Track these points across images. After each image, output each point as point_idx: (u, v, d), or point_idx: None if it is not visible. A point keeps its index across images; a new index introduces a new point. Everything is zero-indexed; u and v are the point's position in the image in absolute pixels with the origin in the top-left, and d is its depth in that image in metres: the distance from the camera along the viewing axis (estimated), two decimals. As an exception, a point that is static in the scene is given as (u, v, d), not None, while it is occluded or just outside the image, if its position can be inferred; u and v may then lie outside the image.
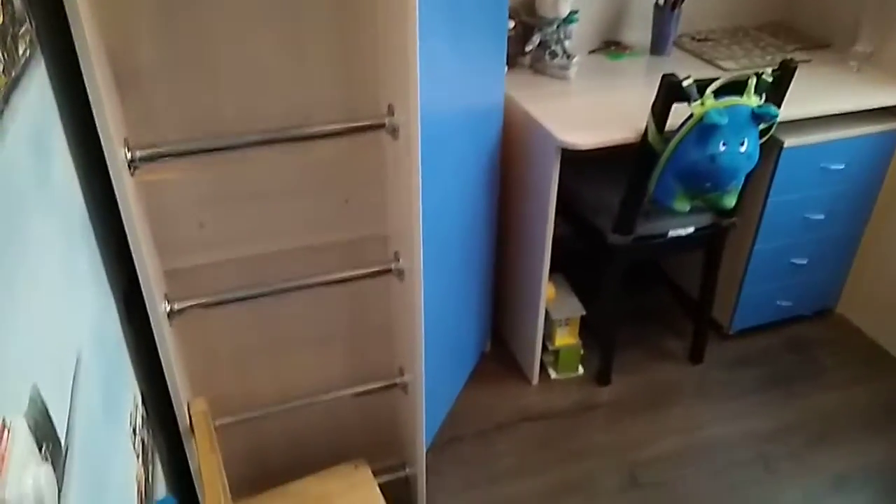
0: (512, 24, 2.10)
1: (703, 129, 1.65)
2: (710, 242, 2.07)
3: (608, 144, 1.78)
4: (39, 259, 0.76)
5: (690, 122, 1.68)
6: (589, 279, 2.25)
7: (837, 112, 1.95)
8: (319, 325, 1.49)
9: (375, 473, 1.50)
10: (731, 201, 1.85)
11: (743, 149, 1.68)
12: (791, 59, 1.72)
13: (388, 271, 1.33)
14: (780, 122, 1.80)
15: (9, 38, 0.79)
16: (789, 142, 1.95)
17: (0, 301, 0.60)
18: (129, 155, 1.07)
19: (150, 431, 1.23)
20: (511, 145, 2.00)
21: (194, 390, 1.41)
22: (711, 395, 2.17)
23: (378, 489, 1.46)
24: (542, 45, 2.13)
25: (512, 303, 2.24)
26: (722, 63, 2.16)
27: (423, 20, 1.05)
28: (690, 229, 1.98)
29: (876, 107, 1.98)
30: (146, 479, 1.14)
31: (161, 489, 1.25)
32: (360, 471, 1.50)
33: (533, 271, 2.03)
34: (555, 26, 2.10)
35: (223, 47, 1.15)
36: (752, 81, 1.68)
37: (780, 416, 2.09)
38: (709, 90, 1.67)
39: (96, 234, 1.07)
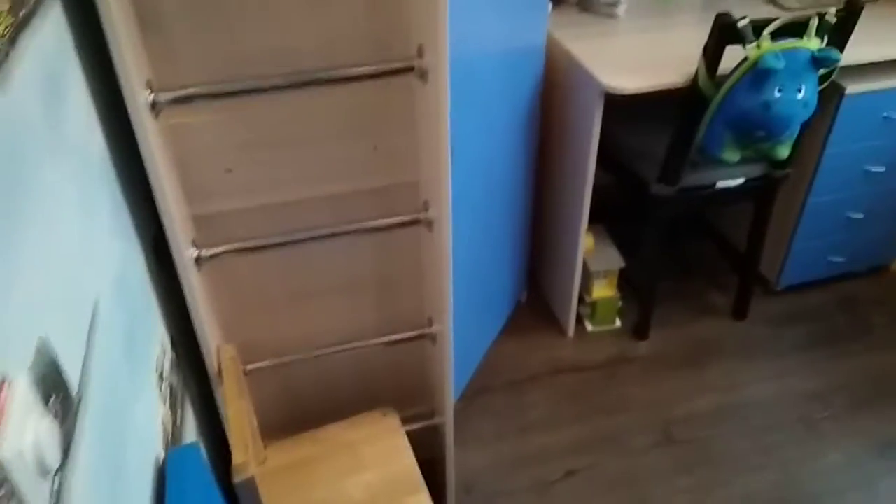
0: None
1: (758, 74, 1.54)
2: (761, 194, 1.97)
3: (655, 89, 1.68)
4: (51, 205, 0.74)
5: (744, 65, 1.57)
6: (629, 230, 2.18)
7: (907, 56, 1.80)
8: (348, 274, 1.47)
9: (404, 421, 1.49)
10: (784, 151, 1.75)
11: (800, 95, 1.57)
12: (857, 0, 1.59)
13: (417, 221, 1.29)
14: (842, 67, 1.68)
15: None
16: (851, 88, 1.82)
17: (3, 250, 0.59)
18: (151, 98, 1.04)
19: (182, 376, 1.24)
20: (552, 88, 1.91)
21: (225, 336, 1.42)
22: (753, 352, 2.10)
23: (405, 437, 1.46)
24: (590, -19, 2.02)
25: (549, 253, 2.19)
26: (785, 3, 2.02)
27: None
28: (740, 180, 1.88)
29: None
30: (174, 423, 1.15)
31: (192, 433, 1.26)
32: (389, 418, 1.50)
33: (571, 221, 1.97)
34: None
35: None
36: (814, 22, 1.56)
37: (825, 377, 2.02)
38: (766, 31, 1.55)
39: (121, 180, 1.05)
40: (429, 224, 1.29)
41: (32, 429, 0.56)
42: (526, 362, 2.08)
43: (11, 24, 0.72)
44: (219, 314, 1.39)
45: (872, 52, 1.78)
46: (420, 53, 1.11)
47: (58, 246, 0.75)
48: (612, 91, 1.67)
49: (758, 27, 1.55)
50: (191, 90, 1.08)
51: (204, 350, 1.25)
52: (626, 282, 2.14)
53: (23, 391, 0.56)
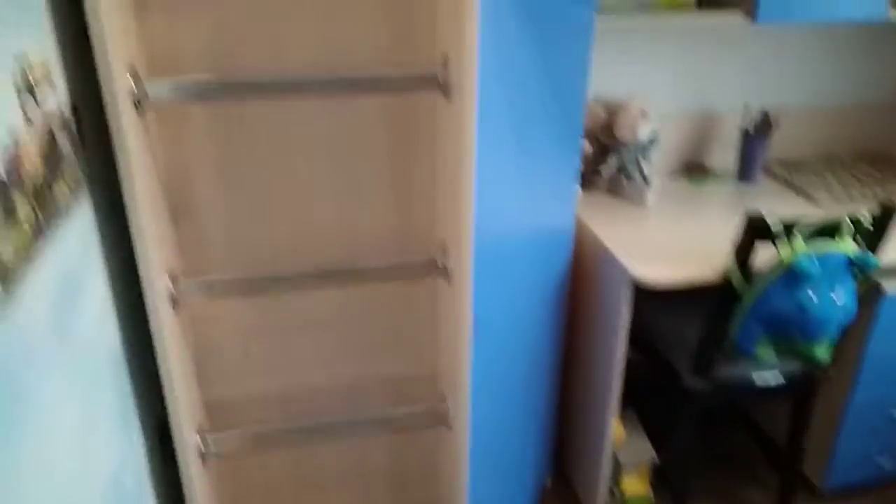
0: (588, 145, 2.05)
1: (792, 276, 1.51)
2: (801, 392, 1.87)
3: (685, 283, 1.66)
4: (48, 421, 0.72)
5: (777, 266, 1.54)
6: (663, 415, 2.08)
7: (948, 257, 1.76)
8: (362, 463, 1.40)
9: None
10: (823, 353, 1.67)
11: (837, 299, 1.52)
12: (891, 201, 1.57)
13: (435, 417, 1.24)
14: (882, 268, 1.63)
15: (46, 191, 0.78)
16: (890, 288, 1.77)
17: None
18: (174, 288, 1.04)
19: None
20: (581, 271, 1.90)
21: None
22: (800, 563, 1.91)
23: None
24: (620, 168, 2.06)
25: (576, 438, 2.09)
26: (816, 196, 2.02)
27: (483, 136, 1.01)
28: (779, 378, 1.80)
29: None
30: None
31: None
32: None
33: (599, 408, 1.88)
34: (634, 150, 2.03)
35: (275, 181, 1.14)
36: (848, 225, 1.53)
37: None
38: (797, 231, 1.53)
39: (131, 365, 1.04)
40: (445, 419, 1.24)
41: None
42: (548, 559, 1.92)
43: (31, 246, 0.73)
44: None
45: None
46: (444, 251, 1.11)
47: (52, 462, 0.71)
48: (641, 283, 1.65)
49: (790, 226, 1.53)
50: (214, 278, 1.08)
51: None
52: (658, 473, 2.00)
53: None
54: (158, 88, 0.96)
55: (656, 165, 2.13)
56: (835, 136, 2.28)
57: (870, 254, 1.52)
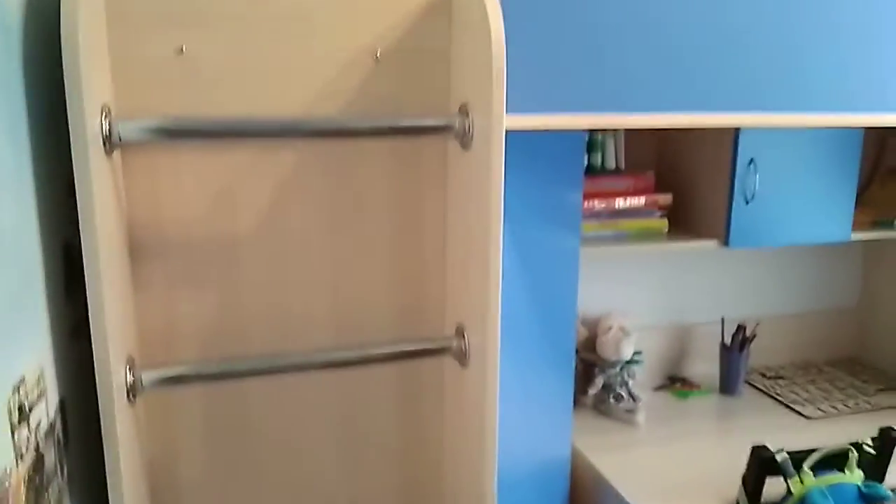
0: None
1: (808, 514, 1.44)
2: None
3: (694, 519, 1.57)
4: None
5: (790, 501, 1.48)
6: None
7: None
8: None
9: None
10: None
11: (855, 535, 1.45)
12: (891, 429, 1.56)
13: None
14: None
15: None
16: (900, 511, 1.71)
17: None
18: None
19: None
20: (581, 500, 1.79)
21: None
22: None
23: None
24: (606, 386, 2.03)
25: None
26: (801, 409, 2.01)
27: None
28: None
29: None
30: None
31: None
32: None
33: None
34: (618, 368, 2.01)
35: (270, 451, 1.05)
36: (854, 456, 1.50)
37: None
38: (806, 465, 1.49)
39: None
40: None
41: None
42: None
43: None
44: None
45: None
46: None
47: None
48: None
49: (797, 459, 1.49)
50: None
51: None
52: None
53: None
54: (152, 378, 0.89)
55: (640, 378, 2.11)
56: (808, 342, 2.33)
57: (881, 486, 1.48)
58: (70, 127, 0.79)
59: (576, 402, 2.03)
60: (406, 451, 1.13)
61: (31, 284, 0.76)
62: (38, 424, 0.75)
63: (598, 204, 1.84)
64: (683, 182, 1.92)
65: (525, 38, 1.00)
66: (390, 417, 1.10)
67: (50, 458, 0.78)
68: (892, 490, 1.61)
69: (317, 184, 1.01)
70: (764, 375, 2.22)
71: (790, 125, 1.23)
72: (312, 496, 1.08)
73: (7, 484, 0.63)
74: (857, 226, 1.91)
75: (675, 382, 2.20)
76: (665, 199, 1.88)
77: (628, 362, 2.02)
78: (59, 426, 0.83)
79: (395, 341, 1.00)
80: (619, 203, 1.86)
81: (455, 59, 1.00)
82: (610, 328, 2.04)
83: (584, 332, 2.09)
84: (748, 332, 2.11)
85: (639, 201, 1.87)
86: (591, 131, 1.84)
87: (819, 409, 2.01)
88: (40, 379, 0.77)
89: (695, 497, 1.61)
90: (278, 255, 1.02)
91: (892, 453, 1.57)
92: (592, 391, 2.02)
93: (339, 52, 0.97)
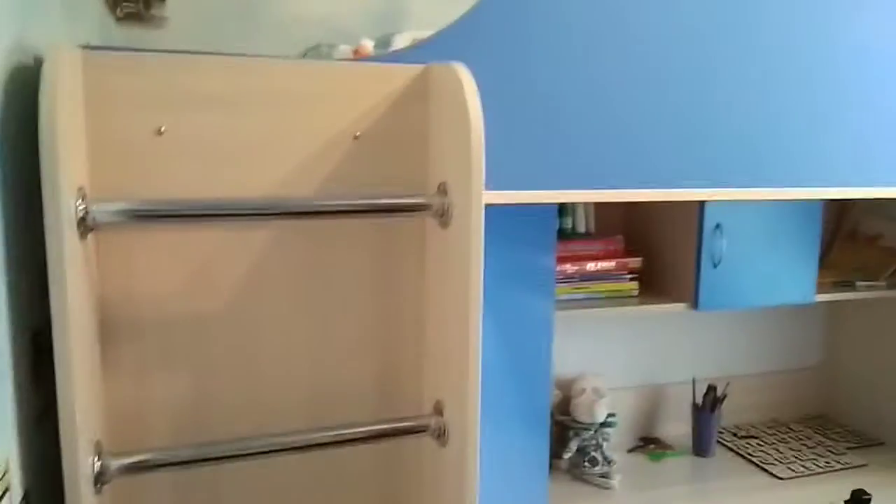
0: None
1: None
2: None
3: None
4: None
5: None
6: None
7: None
8: None
9: None
10: None
11: None
12: (862, 491, 1.58)
13: None
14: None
15: None
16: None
17: None
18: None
19: None
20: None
21: None
22: None
23: None
24: (581, 450, 2.01)
25: None
26: (773, 469, 2.02)
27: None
28: None
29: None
30: None
31: None
32: None
33: None
34: (593, 431, 2.01)
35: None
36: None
37: None
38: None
39: None
40: None
41: None
42: None
43: None
44: None
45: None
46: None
47: None
48: None
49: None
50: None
51: None
52: None
53: None
54: (121, 465, 0.86)
55: (614, 440, 2.10)
56: (777, 401, 2.36)
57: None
58: (45, 211, 0.78)
59: (551, 467, 2.02)
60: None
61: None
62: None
63: (570, 267, 1.86)
64: (652, 246, 1.96)
65: (498, 119, 1.02)
66: (368, 499, 1.07)
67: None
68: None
69: (294, 262, 1.01)
70: (736, 435, 2.23)
71: (748, 199, 1.28)
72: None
73: None
74: (819, 288, 1.96)
75: (649, 444, 2.19)
76: (635, 262, 1.91)
77: (602, 425, 2.02)
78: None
79: (371, 421, 0.99)
80: (591, 266, 1.88)
81: (433, 139, 1.02)
82: (584, 390, 2.04)
83: (558, 395, 2.09)
84: (719, 393, 2.13)
85: (609, 264, 1.90)
86: (562, 197, 1.87)
87: (791, 468, 2.02)
88: (5, 473, 0.74)
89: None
90: (253, 335, 1.00)
91: (864, 516, 1.58)
92: (567, 455, 2.01)
93: (319, 134, 0.98)
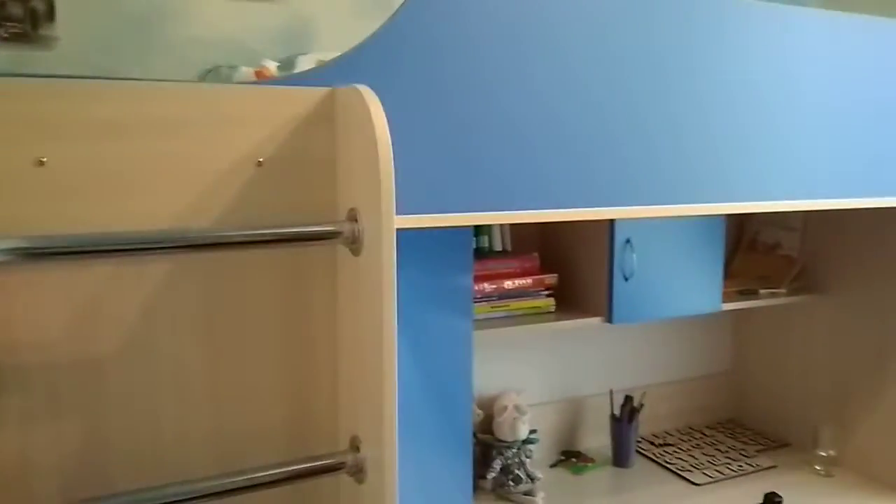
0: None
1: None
2: None
3: None
4: None
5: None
6: None
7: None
8: None
9: None
10: None
11: None
12: (774, 493, 1.63)
13: None
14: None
15: None
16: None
17: None
18: None
19: None
20: None
21: None
22: None
23: None
24: (504, 469, 2.01)
25: None
26: (690, 475, 2.07)
27: None
28: None
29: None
30: None
31: None
32: None
33: None
34: (515, 449, 2.01)
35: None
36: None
37: None
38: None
39: None
40: None
41: None
42: None
43: None
44: None
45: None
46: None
47: None
48: None
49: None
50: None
51: None
52: None
53: None
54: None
55: (536, 456, 2.11)
56: (691, 408, 2.43)
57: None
58: None
59: (475, 488, 2.00)
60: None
61: None
62: None
63: (488, 286, 1.86)
64: (567, 262, 1.98)
65: (409, 142, 1.00)
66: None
67: None
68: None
69: (195, 297, 0.95)
70: (653, 443, 2.28)
71: (653, 216, 1.32)
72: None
73: None
74: (725, 297, 2.03)
75: (571, 458, 2.21)
76: (551, 278, 1.93)
77: (525, 442, 2.02)
78: None
79: (284, 462, 0.94)
80: (508, 284, 1.89)
81: (342, 164, 0.99)
82: (505, 408, 2.04)
83: (480, 414, 2.08)
84: (636, 403, 2.17)
85: (526, 282, 1.91)
86: (477, 216, 1.87)
87: (706, 474, 2.07)
88: None
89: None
90: (151, 377, 0.94)
91: (776, 518, 1.64)
92: (491, 475, 1.99)
93: (219, 161, 0.93)
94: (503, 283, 1.88)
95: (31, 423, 0.88)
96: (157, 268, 0.92)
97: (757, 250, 2.30)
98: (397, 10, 1.03)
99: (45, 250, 0.81)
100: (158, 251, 0.86)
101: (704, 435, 2.35)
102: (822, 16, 1.53)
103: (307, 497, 1.02)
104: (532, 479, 1.99)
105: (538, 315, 1.91)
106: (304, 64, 1.13)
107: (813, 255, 2.19)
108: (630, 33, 1.29)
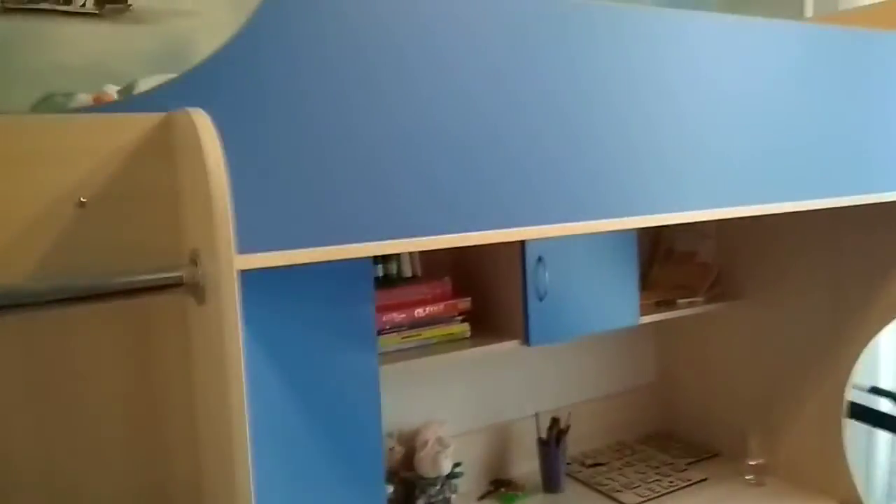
0: (391, 487, 1.88)
1: None
2: None
3: None
4: None
5: None
6: None
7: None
8: None
9: None
10: None
11: None
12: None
13: None
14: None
15: None
16: None
17: None
18: None
19: None
20: None
21: None
22: None
23: None
24: (428, 506, 1.90)
25: None
26: (621, 496, 2.00)
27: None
28: None
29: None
30: None
31: None
32: None
33: None
34: (439, 485, 1.90)
35: None
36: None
37: None
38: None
39: None
40: None
41: None
42: None
43: None
44: None
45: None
46: None
47: None
48: None
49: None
50: None
51: None
52: None
53: None
54: None
55: (464, 488, 2.01)
56: (619, 423, 2.37)
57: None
58: None
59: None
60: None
61: None
62: None
63: (397, 316, 1.75)
64: (480, 284, 1.90)
65: (259, 169, 0.89)
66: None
67: None
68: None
69: (11, 361, 0.81)
70: (583, 464, 2.21)
71: (564, 234, 1.24)
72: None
73: None
74: (644, 308, 1.98)
75: (500, 487, 2.11)
76: (464, 303, 1.84)
77: (449, 476, 1.92)
78: None
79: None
80: (419, 312, 1.79)
81: (184, 199, 0.87)
82: (427, 442, 1.93)
83: (400, 451, 1.96)
84: (562, 423, 2.10)
85: (438, 308, 1.81)
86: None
87: (637, 493, 2.01)
88: None
89: None
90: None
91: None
92: (414, 514, 1.88)
93: (30, 204, 0.80)
94: (413, 311, 1.78)
95: None
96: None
97: (674, 259, 2.26)
98: (246, 21, 0.92)
99: None
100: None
101: (635, 451, 2.30)
102: (725, 19, 1.49)
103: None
104: (458, 514, 1.89)
105: (453, 342, 1.82)
106: (144, 86, 1.01)
107: (729, 262, 2.17)
108: (526, 44, 1.21)
